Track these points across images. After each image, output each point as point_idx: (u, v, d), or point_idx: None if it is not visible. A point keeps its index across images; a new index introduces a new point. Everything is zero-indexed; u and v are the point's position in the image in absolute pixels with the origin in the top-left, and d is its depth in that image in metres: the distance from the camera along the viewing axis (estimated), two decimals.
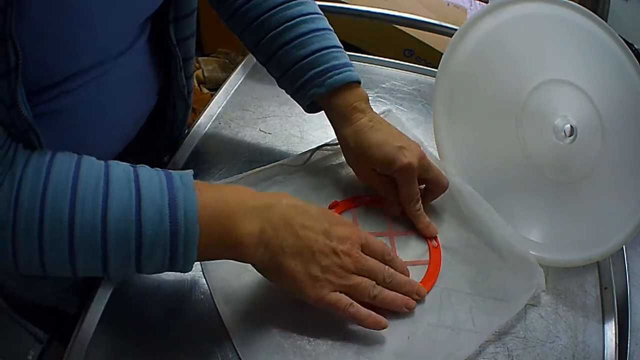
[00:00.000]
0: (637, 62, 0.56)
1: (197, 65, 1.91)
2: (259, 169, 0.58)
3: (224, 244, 0.41)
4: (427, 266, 0.52)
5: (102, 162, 0.40)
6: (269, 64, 0.57)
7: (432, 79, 0.78)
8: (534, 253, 0.52)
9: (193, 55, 0.58)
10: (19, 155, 0.37)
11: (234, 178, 0.57)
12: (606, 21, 0.57)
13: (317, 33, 0.54)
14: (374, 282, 0.46)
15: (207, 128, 0.68)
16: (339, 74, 0.53)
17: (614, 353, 0.47)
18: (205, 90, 1.85)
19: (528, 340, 0.47)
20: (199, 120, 0.69)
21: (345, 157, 0.58)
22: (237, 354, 0.44)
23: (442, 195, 0.56)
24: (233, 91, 0.74)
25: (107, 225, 0.36)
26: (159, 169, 0.41)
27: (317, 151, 0.61)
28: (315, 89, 0.54)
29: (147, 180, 0.39)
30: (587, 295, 0.51)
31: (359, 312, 0.44)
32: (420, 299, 0.48)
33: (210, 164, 0.63)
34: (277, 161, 0.60)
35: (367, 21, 0.88)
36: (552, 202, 0.54)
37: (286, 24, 0.54)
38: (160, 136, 0.65)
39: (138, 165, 0.41)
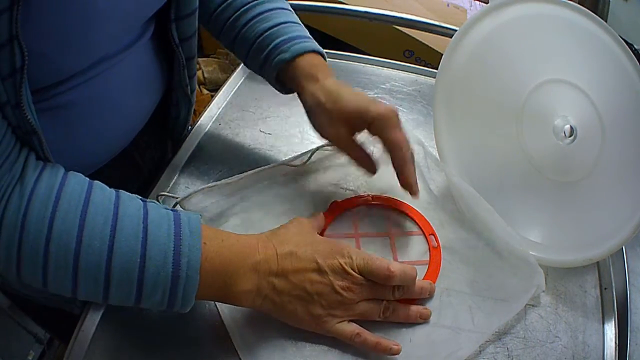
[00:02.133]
0: (637, 62, 0.56)
1: (198, 66, 1.90)
2: (259, 168, 0.58)
3: (222, 297, 0.42)
4: (427, 266, 0.52)
5: (113, 192, 0.40)
6: (234, 44, 0.58)
7: (432, 80, 0.78)
8: (533, 253, 0.52)
9: (195, 54, 0.58)
10: (30, 167, 0.37)
11: (234, 178, 0.57)
12: (606, 21, 0.57)
13: (281, 11, 0.56)
14: (383, 304, 0.45)
15: (207, 129, 0.68)
16: (304, 42, 0.54)
17: (614, 353, 0.47)
18: (205, 91, 1.85)
19: (528, 340, 0.47)
20: (199, 121, 0.69)
21: (311, 116, 0.54)
22: (237, 354, 0.44)
23: (442, 196, 0.56)
24: (233, 92, 0.74)
25: (113, 260, 0.37)
26: (169, 209, 0.42)
27: (317, 151, 0.61)
28: (282, 55, 0.53)
29: (155, 221, 0.39)
30: (587, 296, 0.51)
31: (367, 342, 0.44)
32: (431, 297, 0.49)
33: (211, 164, 0.63)
34: (277, 161, 0.60)
35: (367, 22, 0.88)
36: (552, 203, 0.54)
37: (248, 5, 0.56)
38: (165, 133, 0.65)
39: (148, 201, 0.41)
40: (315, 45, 0.55)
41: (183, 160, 0.63)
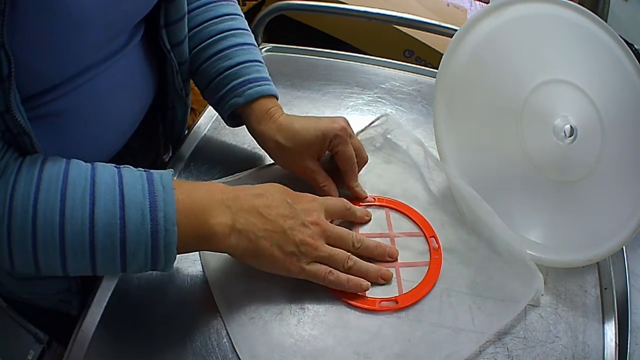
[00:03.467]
0: (637, 62, 0.56)
1: None
2: (260, 167, 0.58)
3: (200, 237, 0.43)
4: (427, 267, 0.52)
5: (89, 165, 0.41)
6: (196, 75, 0.59)
7: (432, 80, 0.78)
8: (534, 253, 0.52)
9: (188, 58, 0.58)
10: (11, 163, 0.39)
11: (234, 176, 0.57)
12: (606, 21, 0.57)
13: (243, 47, 0.57)
14: (348, 254, 0.48)
15: (206, 129, 0.68)
16: (258, 86, 0.56)
17: (614, 353, 0.47)
18: None
19: (528, 340, 0.47)
20: (199, 121, 0.69)
21: (273, 156, 0.58)
22: (237, 354, 0.44)
23: (443, 197, 0.56)
24: None
25: (95, 227, 0.38)
26: (142, 170, 0.43)
27: None
28: (235, 99, 0.56)
29: (130, 183, 0.41)
30: (587, 296, 0.51)
31: (339, 278, 0.47)
32: (392, 261, 0.51)
33: (210, 164, 0.63)
34: None
35: (367, 22, 0.88)
36: (552, 203, 0.54)
37: (214, 37, 0.57)
38: (160, 136, 0.65)
39: (122, 167, 0.43)
40: (268, 87, 0.56)
41: (182, 160, 0.63)
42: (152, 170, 0.43)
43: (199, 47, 0.57)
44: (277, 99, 0.58)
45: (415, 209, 0.57)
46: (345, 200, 0.53)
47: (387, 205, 0.57)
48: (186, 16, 0.55)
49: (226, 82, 0.56)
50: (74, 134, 0.47)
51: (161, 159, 0.65)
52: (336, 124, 0.54)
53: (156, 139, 0.66)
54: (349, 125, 0.56)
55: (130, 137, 0.57)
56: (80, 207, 0.38)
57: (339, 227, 0.50)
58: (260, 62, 0.58)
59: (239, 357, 0.44)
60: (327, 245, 0.48)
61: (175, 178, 0.44)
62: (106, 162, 0.54)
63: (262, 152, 0.64)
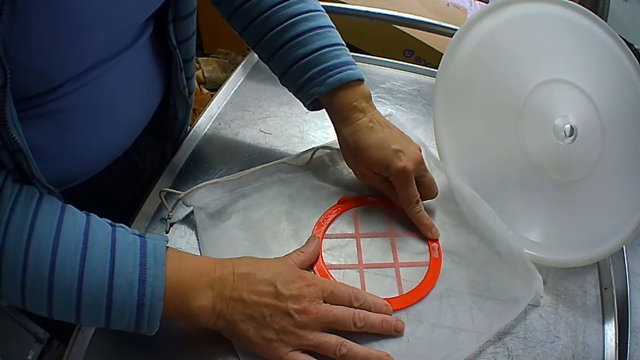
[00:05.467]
0: (637, 62, 0.56)
1: (197, 65, 1.91)
2: (261, 166, 0.58)
3: (182, 315, 0.42)
4: (427, 267, 0.52)
5: (84, 217, 0.41)
6: (270, 63, 0.57)
7: (432, 79, 0.78)
8: (534, 253, 0.52)
9: (193, 56, 0.58)
10: (7, 193, 0.38)
11: (236, 175, 0.57)
12: (606, 21, 0.57)
13: (318, 31, 0.54)
14: (341, 341, 0.43)
15: (207, 128, 0.68)
16: (339, 72, 0.53)
17: (614, 353, 0.47)
18: (205, 91, 1.85)
19: (528, 340, 0.47)
20: (199, 121, 0.69)
21: (344, 157, 0.58)
22: (237, 354, 0.44)
23: (443, 197, 0.56)
24: (233, 91, 0.74)
25: (83, 287, 0.38)
26: (137, 234, 0.43)
27: (319, 150, 0.61)
28: (316, 88, 0.54)
29: (122, 250, 0.40)
30: (587, 296, 0.51)
31: None
32: (399, 334, 0.46)
33: (211, 164, 0.63)
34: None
35: (367, 21, 0.88)
36: (552, 202, 0.54)
37: (287, 22, 0.54)
38: (163, 135, 0.65)
39: (117, 226, 0.42)
40: (350, 73, 0.54)
41: (183, 160, 0.63)
42: (146, 236, 0.43)
43: (271, 33, 0.54)
44: (363, 81, 0.56)
45: None
46: (355, 292, 0.46)
47: (387, 205, 0.57)
48: (196, 12, 0.54)
49: (305, 70, 0.54)
50: (79, 132, 0.47)
51: (167, 159, 0.64)
52: (401, 162, 0.52)
53: (163, 139, 0.66)
54: (422, 160, 0.54)
55: (137, 137, 0.57)
56: (70, 265, 0.38)
57: (337, 308, 0.45)
58: (338, 44, 0.55)
59: (238, 357, 0.44)
60: (316, 333, 0.43)
61: (168, 244, 0.43)
62: (113, 161, 0.54)
63: (262, 152, 0.64)
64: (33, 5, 0.34)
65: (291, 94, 0.58)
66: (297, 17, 0.54)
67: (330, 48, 0.54)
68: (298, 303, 0.43)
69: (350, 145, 0.54)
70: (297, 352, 0.43)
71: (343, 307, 0.45)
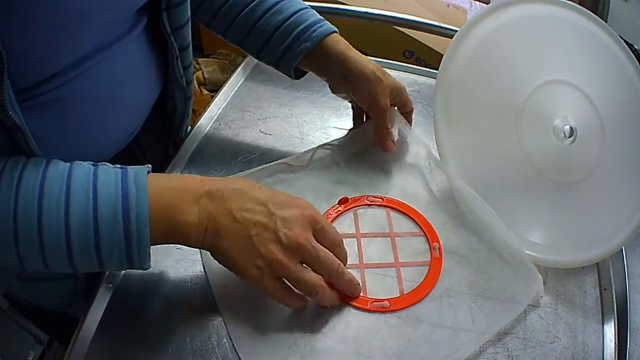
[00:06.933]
0: (637, 62, 0.56)
1: (197, 66, 1.91)
2: (262, 166, 0.58)
3: (171, 236, 0.42)
4: (428, 267, 0.52)
5: (67, 165, 0.41)
6: (247, 40, 0.60)
7: (432, 80, 0.78)
8: (534, 254, 0.52)
9: (189, 44, 0.58)
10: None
11: (237, 175, 0.57)
12: (606, 21, 0.57)
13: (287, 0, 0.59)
14: (320, 285, 0.44)
15: (207, 129, 0.68)
16: (320, 27, 0.58)
17: (613, 353, 0.47)
18: (205, 92, 1.85)
19: (528, 340, 0.47)
20: (199, 122, 0.69)
21: (359, 88, 0.59)
22: (237, 354, 0.44)
23: (443, 197, 0.56)
24: (233, 92, 0.74)
25: (70, 225, 0.38)
26: (119, 167, 0.42)
27: (319, 150, 0.61)
28: (304, 44, 0.57)
29: (104, 182, 0.40)
30: (586, 296, 0.51)
31: (291, 303, 0.44)
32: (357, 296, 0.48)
33: (211, 165, 0.63)
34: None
35: (367, 22, 0.88)
36: (552, 203, 0.54)
37: (255, 2, 0.59)
38: (164, 129, 0.65)
39: (99, 164, 0.42)
40: (328, 27, 0.58)
41: (183, 160, 0.63)
42: (128, 167, 0.42)
43: (246, 9, 0.59)
44: (337, 32, 0.60)
45: (415, 209, 0.57)
46: (340, 239, 0.47)
47: (387, 205, 0.57)
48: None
49: (289, 31, 0.57)
50: (78, 122, 0.47)
51: (168, 157, 0.65)
52: (381, 100, 0.58)
53: (164, 134, 0.66)
54: (399, 88, 0.60)
55: (139, 131, 0.57)
56: (56, 206, 0.38)
57: (324, 250, 0.44)
58: (307, 7, 0.60)
59: (239, 357, 0.44)
60: (299, 267, 0.43)
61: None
62: (114, 157, 0.54)
63: (262, 153, 0.64)
64: None
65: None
66: (278, 5, 0.59)
67: (304, 10, 0.59)
68: (289, 228, 0.42)
69: (373, 70, 0.57)
70: (278, 281, 0.43)
71: (327, 250, 0.44)
